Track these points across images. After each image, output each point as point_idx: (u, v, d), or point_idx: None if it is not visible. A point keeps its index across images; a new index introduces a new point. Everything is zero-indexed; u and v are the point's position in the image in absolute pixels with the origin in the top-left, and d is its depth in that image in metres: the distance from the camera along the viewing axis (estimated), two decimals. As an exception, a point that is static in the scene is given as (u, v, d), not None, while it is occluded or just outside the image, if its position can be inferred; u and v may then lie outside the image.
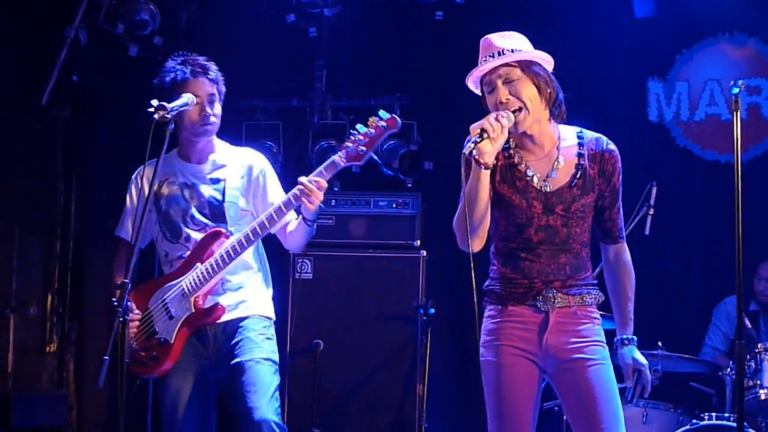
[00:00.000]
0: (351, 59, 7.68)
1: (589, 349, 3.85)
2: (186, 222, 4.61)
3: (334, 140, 7.25)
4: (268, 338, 4.59)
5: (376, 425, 6.47)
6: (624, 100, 7.51)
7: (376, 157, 4.34)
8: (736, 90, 4.10)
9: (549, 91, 3.83)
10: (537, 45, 3.94)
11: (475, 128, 3.69)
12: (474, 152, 3.67)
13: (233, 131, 6.33)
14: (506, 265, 3.91)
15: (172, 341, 4.49)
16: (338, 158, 4.38)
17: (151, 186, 4.30)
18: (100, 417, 7.08)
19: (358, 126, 4.38)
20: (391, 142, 7.29)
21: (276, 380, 4.52)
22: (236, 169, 4.66)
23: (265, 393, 4.42)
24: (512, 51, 3.80)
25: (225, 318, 4.54)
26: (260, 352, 4.50)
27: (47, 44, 6.83)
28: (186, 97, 4.37)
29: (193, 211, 4.61)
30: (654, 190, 6.15)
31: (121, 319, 3.79)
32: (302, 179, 4.38)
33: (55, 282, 7.24)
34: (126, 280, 3.86)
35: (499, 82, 3.80)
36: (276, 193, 4.64)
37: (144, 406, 7.02)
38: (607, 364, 3.87)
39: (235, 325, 4.55)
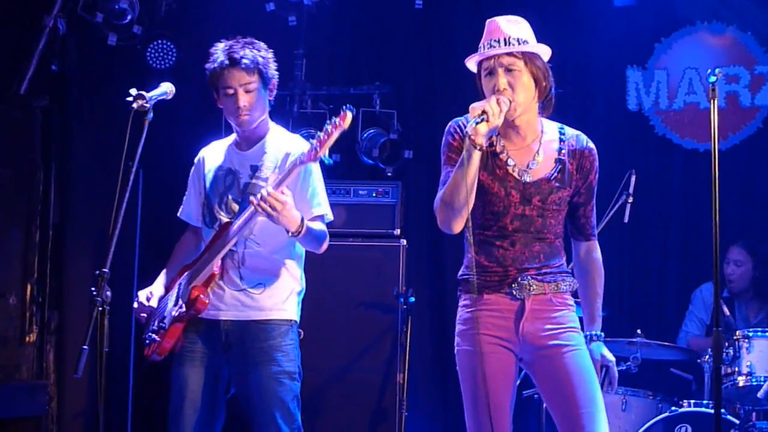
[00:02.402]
0: (331, 48, 7.67)
1: (564, 335, 3.89)
2: (221, 208, 4.53)
3: (314, 129, 7.23)
4: (284, 346, 4.48)
5: (356, 414, 6.47)
6: (603, 89, 7.53)
7: (327, 158, 4.23)
8: (713, 78, 4.13)
9: (544, 84, 3.88)
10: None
11: (476, 108, 3.71)
12: (470, 132, 3.68)
13: (213, 120, 6.32)
14: (480, 253, 3.92)
15: (167, 327, 4.45)
16: (303, 157, 4.23)
17: (128, 167, 3.97)
18: (80, 407, 7.05)
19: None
20: (371, 130, 7.29)
21: (290, 393, 4.47)
22: (273, 157, 4.52)
23: (276, 411, 4.41)
24: (518, 41, 3.82)
25: (238, 317, 4.46)
26: (272, 366, 4.44)
27: (25, 33, 6.78)
28: (165, 86, 4.29)
29: (229, 198, 4.53)
30: (633, 179, 6.16)
31: (100, 308, 3.78)
32: (265, 189, 4.21)
33: (34, 272, 7.19)
34: (105, 270, 3.83)
35: (501, 70, 3.82)
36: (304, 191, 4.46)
37: (124, 396, 7.02)
38: (582, 350, 3.91)
39: (250, 327, 4.45)
